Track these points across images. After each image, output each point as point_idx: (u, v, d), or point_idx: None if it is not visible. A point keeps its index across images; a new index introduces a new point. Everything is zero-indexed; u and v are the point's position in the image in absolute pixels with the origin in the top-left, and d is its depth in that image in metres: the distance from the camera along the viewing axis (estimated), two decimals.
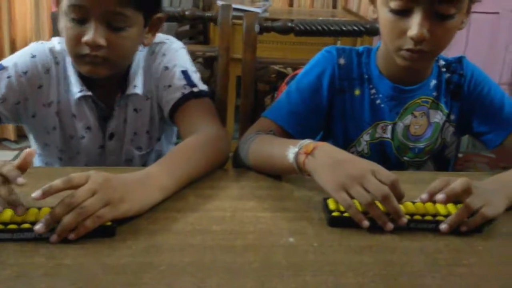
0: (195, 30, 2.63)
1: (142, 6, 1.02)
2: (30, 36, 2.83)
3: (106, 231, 0.76)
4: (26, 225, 0.74)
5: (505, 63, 2.97)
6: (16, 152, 2.77)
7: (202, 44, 2.57)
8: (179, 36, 2.65)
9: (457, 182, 0.83)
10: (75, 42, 1.00)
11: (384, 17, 1.01)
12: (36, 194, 0.74)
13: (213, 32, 2.57)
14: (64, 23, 1.00)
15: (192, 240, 0.77)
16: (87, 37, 0.98)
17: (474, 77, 1.14)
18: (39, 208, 0.78)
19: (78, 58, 1.02)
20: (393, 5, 0.97)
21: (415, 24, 0.96)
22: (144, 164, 1.22)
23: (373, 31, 1.42)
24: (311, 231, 0.81)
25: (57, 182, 0.76)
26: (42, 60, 1.11)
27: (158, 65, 1.15)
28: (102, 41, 0.98)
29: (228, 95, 1.51)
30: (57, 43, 1.13)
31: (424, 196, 0.83)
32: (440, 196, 0.81)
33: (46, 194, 0.74)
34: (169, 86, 1.13)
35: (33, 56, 1.11)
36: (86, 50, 1.00)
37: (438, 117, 1.14)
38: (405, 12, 0.97)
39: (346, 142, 1.15)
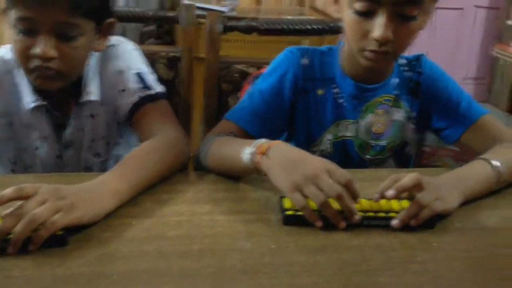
0: (161, 30, 2.60)
1: (92, 14, 0.99)
2: None
3: (58, 241, 0.74)
4: None
5: (470, 58, 3.01)
6: None
7: (169, 44, 2.55)
8: (144, 36, 2.62)
9: (406, 177, 0.84)
10: (25, 55, 0.97)
11: (348, 18, 1.01)
12: None
13: (179, 32, 2.54)
14: (13, 35, 0.97)
15: (147, 247, 0.76)
16: (37, 50, 0.95)
17: (432, 74, 1.15)
18: None
19: (30, 71, 0.99)
20: (357, 6, 0.97)
21: (379, 26, 0.96)
22: (104, 171, 1.19)
23: (337, 30, 1.42)
24: (268, 233, 0.81)
25: (8, 191, 0.74)
26: None
27: (111, 69, 1.12)
28: (52, 53, 0.95)
29: (193, 96, 1.50)
30: (7, 52, 1.09)
31: (376, 196, 0.84)
32: (390, 193, 0.82)
33: None
34: (123, 90, 1.11)
35: None
36: (36, 63, 0.97)
37: (399, 115, 1.15)
38: (369, 14, 0.97)
39: (309, 142, 1.15)
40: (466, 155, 1.80)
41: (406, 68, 1.16)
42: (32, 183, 0.77)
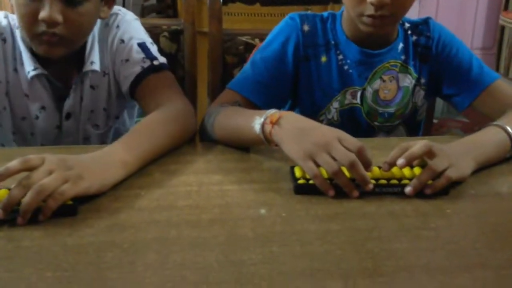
0: (163, 4, 2.57)
1: None
2: None
3: (68, 211, 0.74)
4: None
5: (476, 27, 2.97)
6: None
7: (171, 18, 2.52)
8: (145, 11, 2.60)
9: (416, 145, 0.82)
10: (30, 20, 0.95)
11: None
12: None
13: (181, 5, 2.51)
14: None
15: (156, 217, 0.75)
16: (43, 14, 0.93)
17: (442, 39, 1.13)
18: None
19: (34, 37, 0.97)
20: None
21: None
22: (102, 143, 1.18)
23: None
24: (279, 202, 0.80)
25: (14, 163, 0.73)
26: None
27: (113, 38, 1.10)
28: (59, 18, 0.94)
29: (197, 69, 1.49)
30: (3, 18, 1.07)
31: (385, 165, 0.83)
32: (400, 162, 0.81)
33: (3, 177, 0.72)
34: (127, 60, 1.09)
35: None
36: (42, 28, 0.95)
37: (407, 81, 1.13)
38: None
39: (315, 110, 1.14)
40: (475, 126, 1.78)
41: (411, 32, 1.13)
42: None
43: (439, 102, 2.37)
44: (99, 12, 1.04)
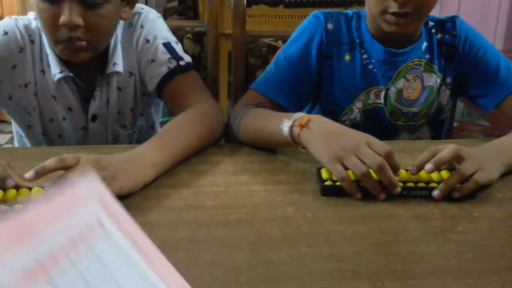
0: (184, 6, 2.59)
1: None
2: (17, 12, 2.79)
3: None
4: (18, 206, 0.73)
5: (498, 29, 2.94)
6: (10, 135, 2.74)
7: (192, 20, 2.54)
8: (167, 13, 2.62)
9: (445, 150, 0.82)
10: (51, 25, 0.95)
11: None
12: (29, 174, 0.73)
13: (203, 7, 2.53)
14: (36, 5, 0.95)
15: (185, 216, 0.77)
16: (63, 19, 0.93)
17: (469, 38, 1.12)
18: (30, 188, 0.77)
19: (56, 42, 0.98)
20: None
21: None
22: (130, 142, 1.19)
23: (362, 0, 1.40)
24: (305, 203, 0.81)
25: (50, 162, 0.75)
26: (16, 38, 1.05)
27: (137, 39, 1.10)
28: (79, 21, 0.93)
29: (219, 71, 1.50)
30: (33, 19, 1.07)
31: (413, 169, 0.83)
32: (428, 167, 0.81)
33: (39, 174, 0.74)
34: (153, 60, 1.09)
35: (5, 33, 1.05)
36: (64, 33, 0.95)
37: (432, 80, 1.12)
38: None
39: (337, 110, 1.14)
40: (496, 129, 1.77)
41: (435, 31, 1.12)
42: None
43: (460, 105, 2.35)
44: (120, 13, 1.04)
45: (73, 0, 0.93)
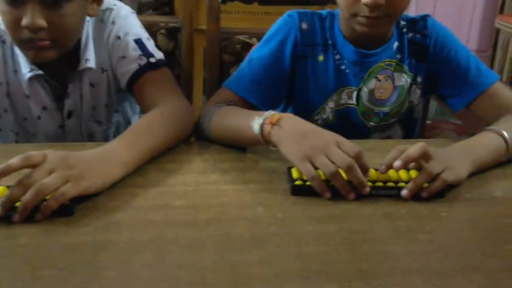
0: (159, 1, 2.56)
1: None
2: None
3: (65, 211, 0.74)
4: None
5: (472, 30, 2.98)
6: None
7: (167, 15, 2.52)
8: (142, 8, 2.59)
9: (413, 147, 0.82)
10: (14, 27, 0.94)
11: None
12: None
13: (178, 2, 2.51)
14: (0, 7, 0.94)
15: (153, 216, 0.75)
16: (25, 21, 0.91)
17: (440, 38, 1.12)
18: None
19: (22, 44, 0.97)
20: None
21: None
22: (106, 138, 1.18)
23: None
24: (274, 203, 0.80)
25: (15, 161, 0.73)
26: None
27: (108, 35, 1.09)
28: (41, 23, 0.92)
29: (194, 67, 1.48)
30: (0, 22, 1.05)
31: (382, 167, 0.83)
32: (396, 164, 0.81)
33: (3, 174, 0.72)
34: (124, 57, 1.08)
35: None
36: (27, 35, 0.93)
37: (403, 80, 1.13)
38: None
39: (310, 110, 1.13)
40: (469, 128, 1.79)
41: (406, 30, 1.12)
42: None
43: (433, 104, 2.38)
44: (87, 10, 1.02)
45: (35, 2, 0.91)
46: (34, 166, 0.73)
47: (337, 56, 1.10)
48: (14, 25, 0.93)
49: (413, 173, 0.85)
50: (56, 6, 0.93)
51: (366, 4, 0.95)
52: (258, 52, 1.11)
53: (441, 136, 1.98)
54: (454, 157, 0.86)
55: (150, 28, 1.30)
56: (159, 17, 1.79)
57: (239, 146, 0.98)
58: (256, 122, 0.89)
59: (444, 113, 2.55)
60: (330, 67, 1.10)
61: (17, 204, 0.71)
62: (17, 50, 1.05)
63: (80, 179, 0.75)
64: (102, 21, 1.10)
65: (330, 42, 1.10)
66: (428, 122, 1.88)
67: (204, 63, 2.13)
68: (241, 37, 1.47)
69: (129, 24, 1.11)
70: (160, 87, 1.06)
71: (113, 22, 1.10)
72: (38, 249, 0.67)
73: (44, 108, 1.09)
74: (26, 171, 0.73)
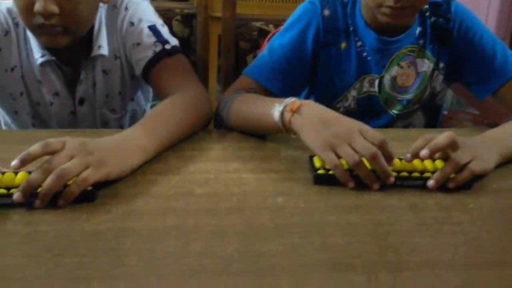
0: None
1: None
2: None
3: (87, 196, 0.73)
4: (2, 191, 0.71)
5: (489, 18, 2.94)
6: None
7: (181, 1, 2.50)
8: None
9: (441, 136, 0.81)
10: (26, 12, 0.93)
11: None
12: (14, 163, 0.70)
13: None
14: None
15: (174, 204, 0.74)
16: (38, 6, 0.91)
17: (465, 22, 1.09)
18: (16, 173, 0.75)
19: (34, 29, 0.96)
20: None
21: None
22: (121, 127, 1.17)
23: None
24: (297, 192, 0.79)
25: (35, 148, 0.72)
26: (0, 22, 1.04)
27: (122, 21, 1.08)
28: (54, 9, 0.91)
29: (209, 54, 1.47)
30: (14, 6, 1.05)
31: (408, 155, 0.81)
32: (424, 152, 0.79)
33: (24, 162, 0.71)
34: (138, 44, 1.07)
35: None
36: (40, 20, 0.93)
37: (425, 65, 1.10)
38: None
39: (332, 98, 1.12)
40: (486, 118, 1.76)
41: (429, 14, 1.09)
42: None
43: (449, 94, 2.34)
44: None
45: None
46: (54, 153, 0.73)
47: (359, 43, 1.08)
48: (27, 10, 0.93)
49: (439, 163, 0.83)
50: None
51: None
52: (278, 39, 1.09)
53: (458, 126, 1.95)
54: (482, 147, 0.84)
55: (165, 15, 1.29)
56: (174, 3, 1.78)
57: (259, 134, 0.97)
58: (276, 109, 0.87)
59: (460, 103, 2.52)
60: (352, 54, 1.08)
61: (38, 190, 0.70)
62: (29, 35, 1.04)
63: (100, 165, 0.74)
64: (115, 7, 1.09)
65: (351, 28, 1.08)
66: (445, 112, 1.86)
67: (218, 50, 2.12)
68: (257, 24, 1.45)
69: (143, 10, 1.09)
70: (177, 74, 1.05)
71: (126, 8, 1.08)
72: (60, 236, 0.66)
73: (56, 94, 1.09)
74: (45, 158, 0.72)
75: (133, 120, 1.20)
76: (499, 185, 0.83)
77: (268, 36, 1.35)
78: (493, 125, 0.97)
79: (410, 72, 1.10)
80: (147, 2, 1.13)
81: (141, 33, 1.07)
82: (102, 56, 1.07)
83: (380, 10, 0.98)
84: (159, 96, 1.06)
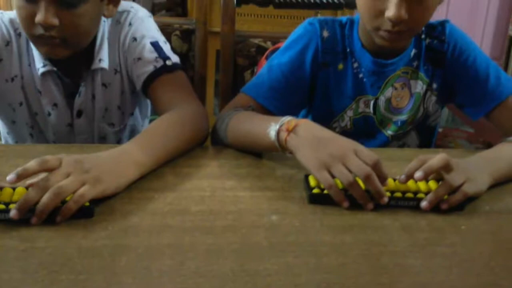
0: (172, 2, 2.57)
1: None
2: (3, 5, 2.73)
3: (85, 212, 0.73)
4: (0, 206, 0.72)
5: (485, 37, 2.97)
6: None
7: (180, 16, 2.52)
8: (155, 8, 2.59)
9: (435, 158, 0.82)
10: (28, 23, 0.95)
11: None
12: (10, 177, 0.71)
13: (191, 3, 2.51)
14: (15, 2, 0.95)
15: (170, 221, 0.75)
16: (38, 17, 0.92)
17: (459, 45, 1.10)
18: (14, 188, 0.75)
19: (34, 39, 0.97)
20: None
21: (392, 5, 0.93)
22: (119, 141, 1.18)
23: (353, 4, 1.39)
24: (292, 211, 0.80)
25: (32, 164, 0.73)
26: (1, 32, 1.05)
27: (125, 36, 1.09)
28: (54, 21, 0.92)
29: (207, 69, 1.48)
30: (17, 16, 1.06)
31: (402, 177, 0.82)
32: (418, 174, 0.80)
33: (21, 177, 0.72)
34: (139, 59, 1.08)
35: None
36: (40, 31, 0.94)
37: (418, 87, 1.12)
38: None
39: (329, 117, 1.13)
40: (480, 136, 1.78)
41: (424, 36, 1.11)
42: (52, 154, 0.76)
43: (444, 111, 2.36)
44: (102, 11, 1.02)
45: (49, 1, 0.91)
46: (50, 169, 0.73)
47: (355, 65, 1.10)
48: (28, 20, 0.94)
49: (432, 184, 0.84)
50: (71, 5, 0.94)
51: (389, 19, 0.94)
52: (278, 59, 1.10)
53: (453, 143, 1.97)
54: (475, 169, 0.85)
55: (164, 30, 1.30)
56: (173, 19, 1.79)
57: (255, 152, 0.98)
58: (272, 128, 0.88)
59: (455, 120, 2.54)
60: (349, 75, 1.10)
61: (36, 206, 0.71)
62: (31, 44, 1.05)
63: (96, 182, 0.75)
64: (118, 23, 1.10)
65: (348, 50, 1.10)
66: (440, 129, 1.87)
67: (216, 65, 2.13)
68: (255, 41, 1.46)
69: (146, 27, 1.11)
70: (176, 90, 1.06)
71: (130, 24, 1.10)
72: (56, 252, 0.66)
73: (55, 104, 1.09)
74: (42, 174, 0.73)
75: (132, 135, 1.21)
76: (491, 207, 0.84)
77: (266, 53, 1.37)
78: (487, 143, 0.99)
79: (404, 93, 1.11)
80: (151, 19, 1.15)
81: (143, 49, 1.08)
82: (102, 69, 1.08)
83: (378, 33, 0.99)
84: (157, 111, 1.07)
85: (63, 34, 0.95)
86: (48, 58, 1.04)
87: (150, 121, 1.29)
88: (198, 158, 0.96)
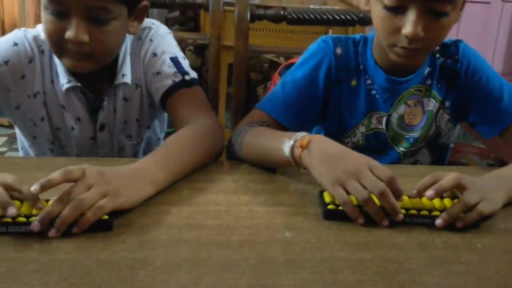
0: (185, 16, 2.59)
1: None
2: (18, 19, 2.77)
3: (104, 225, 0.74)
4: (21, 219, 0.73)
5: (496, 53, 2.97)
6: (5, 138, 2.71)
7: (192, 31, 2.54)
8: (169, 22, 2.62)
9: (446, 178, 0.82)
10: (56, 37, 0.96)
11: (378, 13, 0.99)
12: (34, 187, 0.72)
13: (204, 18, 2.53)
14: (44, 16, 0.96)
15: (187, 236, 0.76)
16: (69, 34, 0.94)
17: (472, 64, 1.11)
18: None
19: (61, 54, 0.99)
20: (387, 1, 0.95)
21: (409, 22, 0.94)
22: (136, 153, 1.20)
23: (365, 21, 1.40)
24: (307, 226, 0.80)
25: (56, 175, 0.74)
26: (25, 49, 1.07)
27: (145, 52, 1.12)
28: (85, 38, 0.94)
29: (219, 83, 1.49)
30: (42, 31, 1.07)
31: (414, 192, 0.83)
32: (428, 193, 0.81)
33: (44, 188, 0.73)
34: (158, 73, 1.10)
35: (15, 44, 1.06)
36: (68, 46, 0.96)
37: (431, 105, 1.12)
38: (400, 9, 0.95)
39: (341, 133, 1.14)
40: (492, 152, 1.78)
41: (439, 55, 1.12)
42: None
43: (456, 127, 2.36)
44: (128, 28, 1.04)
45: (80, 16, 0.93)
46: (74, 180, 0.75)
47: (368, 81, 1.11)
48: (57, 35, 0.96)
49: (447, 202, 0.84)
50: (101, 22, 0.96)
51: (406, 36, 0.95)
52: (292, 75, 1.11)
53: (465, 159, 1.96)
54: (489, 187, 0.85)
55: (179, 44, 1.31)
56: (187, 34, 1.81)
57: (270, 167, 0.99)
58: (286, 144, 0.89)
59: (466, 137, 2.54)
60: (362, 91, 1.11)
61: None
62: (56, 61, 1.07)
63: (116, 195, 0.76)
64: (140, 39, 1.12)
65: (361, 67, 1.11)
66: (451, 145, 1.88)
67: (228, 78, 2.15)
68: (268, 56, 1.48)
69: (166, 43, 1.13)
70: (193, 104, 1.08)
71: (151, 40, 1.12)
72: (76, 264, 0.67)
73: (78, 119, 1.11)
74: (65, 186, 0.74)
75: (148, 147, 1.22)
76: (506, 225, 0.84)
77: (279, 69, 1.38)
78: (500, 160, 0.99)
79: (417, 111, 1.12)
80: (171, 36, 1.17)
81: (163, 64, 1.10)
82: (124, 84, 1.10)
83: (393, 49, 1.00)
84: (175, 124, 1.09)
85: (91, 50, 0.97)
86: (72, 72, 1.05)
87: (166, 133, 1.31)
88: (213, 172, 0.97)
